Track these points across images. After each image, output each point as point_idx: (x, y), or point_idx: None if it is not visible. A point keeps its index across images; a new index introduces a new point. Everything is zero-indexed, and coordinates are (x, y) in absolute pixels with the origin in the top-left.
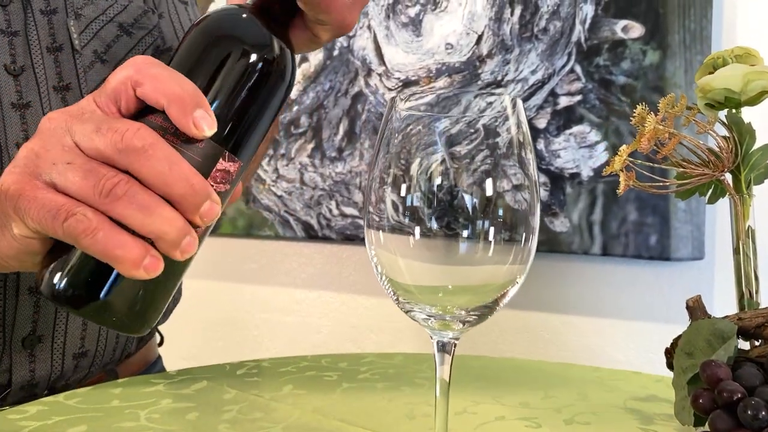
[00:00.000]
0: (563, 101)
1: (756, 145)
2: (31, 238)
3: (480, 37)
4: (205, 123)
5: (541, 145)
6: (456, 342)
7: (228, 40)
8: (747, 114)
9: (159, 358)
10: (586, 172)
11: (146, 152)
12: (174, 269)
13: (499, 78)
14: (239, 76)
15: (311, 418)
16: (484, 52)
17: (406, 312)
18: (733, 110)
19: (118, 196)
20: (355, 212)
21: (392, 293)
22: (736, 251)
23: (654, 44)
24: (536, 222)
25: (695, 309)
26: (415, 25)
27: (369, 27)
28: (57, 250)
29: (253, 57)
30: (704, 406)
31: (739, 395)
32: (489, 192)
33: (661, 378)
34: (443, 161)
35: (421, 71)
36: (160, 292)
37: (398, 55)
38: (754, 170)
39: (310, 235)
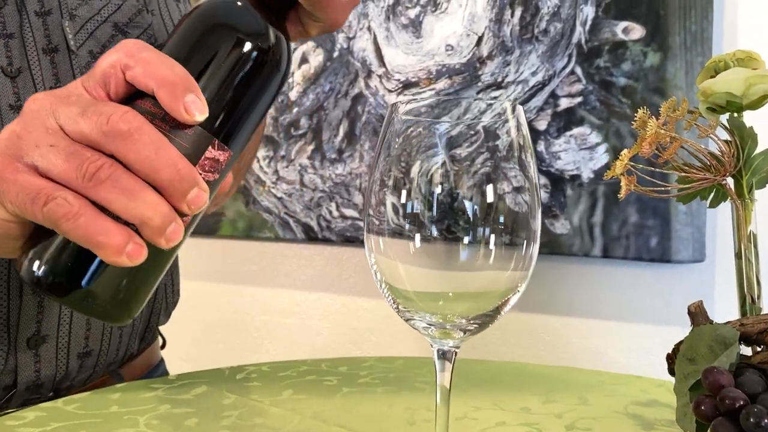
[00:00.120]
0: (564, 103)
1: (758, 150)
2: (10, 222)
3: (480, 39)
4: (195, 108)
5: (541, 146)
6: (456, 350)
7: (222, 28)
8: (749, 118)
9: (162, 361)
10: (586, 174)
11: (132, 136)
12: (159, 258)
13: (500, 79)
14: (233, 64)
15: (311, 424)
16: (485, 53)
17: (406, 320)
18: (735, 114)
19: (102, 179)
20: (355, 214)
21: (392, 301)
22: (738, 256)
23: (655, 46)
24: (537, 225)
25: (697, 314)
26: (416, 26)
27: (369, 28)
28: (38, 235)
29: (248, 45)
30: (706, 413)
31: (742, 402)
32: (490, 197)
33: (663, 382)
34: (443, 164)
35: (421, 73)
36: (143, 282)
37: (398, 57)
38: (756, 174)
39: (310, 236)
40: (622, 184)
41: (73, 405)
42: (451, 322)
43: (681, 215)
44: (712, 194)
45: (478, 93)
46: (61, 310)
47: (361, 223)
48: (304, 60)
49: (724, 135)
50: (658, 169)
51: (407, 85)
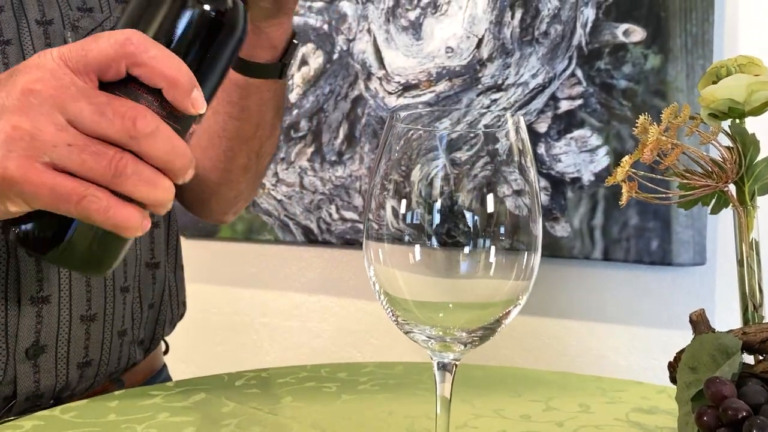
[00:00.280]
0: (564, 105)
1: (760, 156)
2: (21, 211)
3: (480, 41)
4: (199, 103)
5: (541, 149)
6: (457, 363)
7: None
8: (751, 124)
9: (164, 366)
10: (587, 177)
11: (154, 136)
12: None
13: (500, 82)
14: (202, 36)
15: None
16: (485, 55)
17: (406, 333)
18: (737, 120)
19: (128, 175)
20: (355, 216)
21: (391, 313)
22: (740, 263)
23: (655, 48)
24: (538, 230)
25: (699, 323)
26: (416, 28)
27: (369, 30)
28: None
29: (212, 15)
30: (708, 423)
31: (744, 414)
32: (490, 203)
33: (664, 388)
34: (444, 168)
35: (421, 75)
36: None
37: (398, 59)
38: (758, 181)
39: (310, 239)
40: (624, 190)
41: (70, 413)
42: (452, 335)
43: (682, 218)
44: (714, 200)
45: (478, 95)
46: (60, 320)
47: (361, 226)
48: (303, 62)
49: (726, 141)
50: (659, 177)
51: (407, 88)
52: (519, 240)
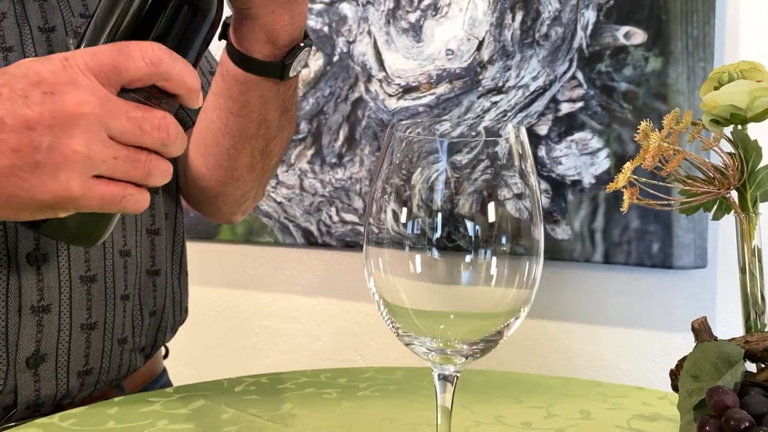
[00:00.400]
0: (565, 108)
1: (762, 163)
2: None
3: (481, 43)
4: (201, 99)
5: (542, 151)
6: (458, 375)
7: None
8: (753, 130)
9: (164, 371)
10: (587, 180)
11: (176, 140)
12: None
13: (500, 84)
14: (175, 16)
15: None
16: (485, 58)
17: (406, 345)
18: (739, 127)
19: (154, 173)
20: (355, 219)
21: (391, 324)
22: (742, 270)
23: (656, 51)
24: (540, 235)
25: (701, 331)
26: (416, 30)
27: (369, 32)
28: None
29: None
30: None
31: (747, 424)
32: (492, 212)
33: (665, 394)
34: (444, 172)
35: (421, 77)
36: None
37: (399, 61)
38: (760, 188)
39: (310, 241)
40: (625, 197)
41: (69, 421)
42: (453, 348)
43: (683, 221)
44: (716, 206)
45: (478, 98)
46: (61, 329)
47: (360, 228)
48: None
49: (728, 147)
50: (661, 183)
51: (407, 90)
52: (520, 244)
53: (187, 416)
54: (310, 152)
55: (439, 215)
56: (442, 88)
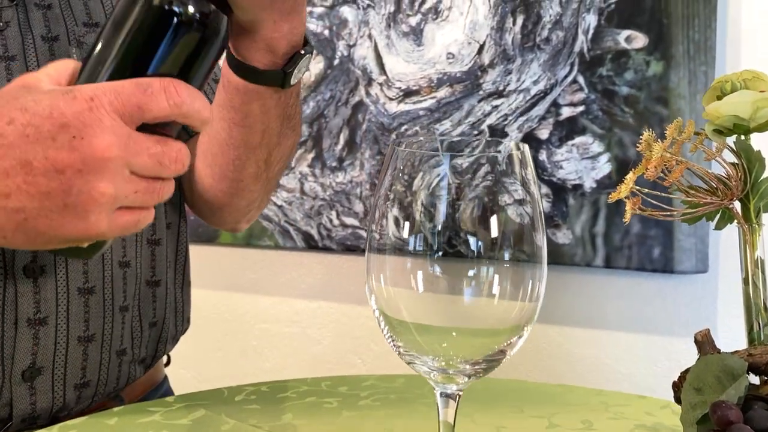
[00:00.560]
0: (566, 112)
1: (765, 173)
2: None
3: (482, 47)
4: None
5: (543, 156)
6: (460, 393)
7: (161, 4)
8: (756, 141)
9: (165, 378)
10: (588, 184)
11: (187, 165)
12: None
13: (501, 88)
14: (177, 40)
15: None
16: (486, 61)
17: (408, 363)
18: (742, 137)
19: (164, 195)
20: (355, 222)
21: (392, 342)
22: (745, 282)
23: (657, 55)
24: (542, 240)
25: (704, 343)
26: (417, 34)
27: (370, 36)
28: None
29: (191, 20)
30: None
31: None
32: (494, 227)
33: (667, 403)
34: (445, 177)
35: (422, 81)
36: None
37: (399, 65)
38: (763, 199)
39: (311, 245)
40: (627, 207)
41: None
42: (455, 368)
43: (684, 226)
44: (718, 216)
45: (479, 102)
46: (57, 342)
47: (361, 232)
48: None
49: (731, 158)
50: (664, 194)
51: (408, 93)
52: (523, 251)
53: (188, 427)
54: (310, 156)
55: (441, 223)
56: (443, 92)
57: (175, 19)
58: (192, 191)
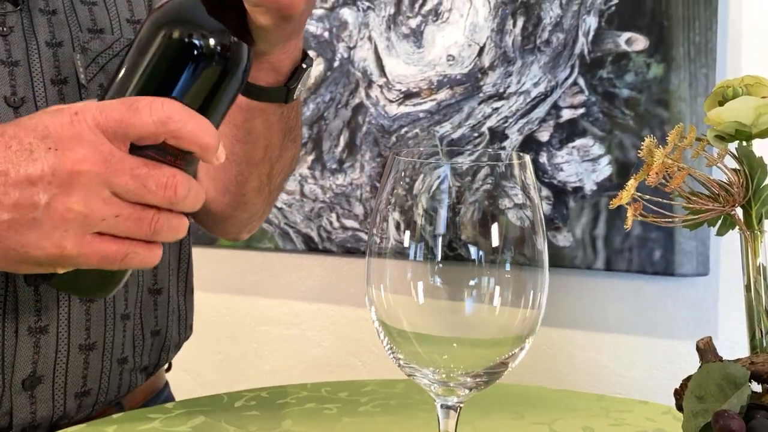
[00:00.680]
0: (566, 114)
1: (767, 180)
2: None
3: (482, 49)
4: (222, 156)
5: (543, 158)
6: (461, 405)
7: (181, 34)
8: (758, 147)
9: (167, 384)
10: (589, 186)
11: (187, 197)
12: None
13: (501, 90)
14: (199, 73)
15: None
16: (486, 63)
17: (408, 375)
18: (744, 143)
19: (162, 230)
20: (356, 225)
21: (392, 354)
22: (747, 289)
23: (658, 57)
24: (542, 244)
25: (706, 351)
26: (417, 36)
27: (370, 38)
28: None
29: (213, 53)
30: None
31: None
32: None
33: (669, 409)
34: (445, 179)
35: (422, 83)
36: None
37: (399, 67)
38: (765, 205)
39: (311, 247)
40: (629, 214)
41: None
42: (455, 381)
43: (685, 229)
44: (720, 222)
45: (479, 104)
46: (58, 350)
47: (361, 234)
48: None
49: (733, 164)
50: (665, 201)
51: (408, 96)
52: (523, 254)
53: None
54: (310, 158)
55: (442, 226)
56: (443, 94)
57: (195, 52)
58: None
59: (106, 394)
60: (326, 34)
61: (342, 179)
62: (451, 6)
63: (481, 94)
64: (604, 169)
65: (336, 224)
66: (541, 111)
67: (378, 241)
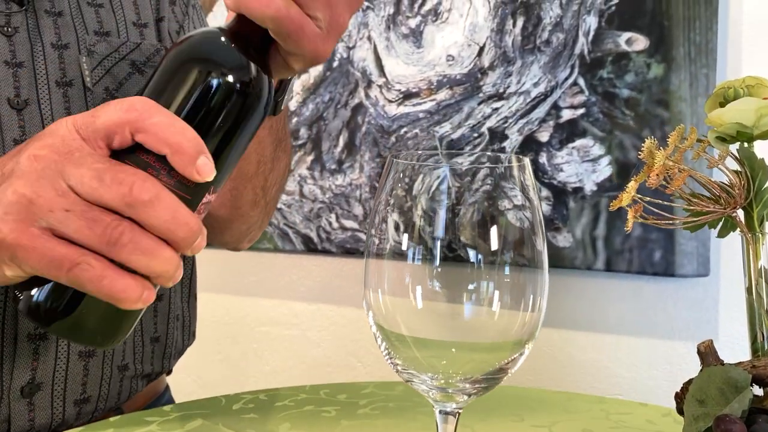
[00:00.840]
0: (566, 114)
1: None
2: (21, 277)
3: (482, 49)
4: (206, 170)
5: (543, 158)
6: (460, 411)
7: (205, 69)
8: (759, 148)
9: (167, 388)
10: (589, 187)
11: (152, 204)
12: None
13: (501, 90)
14: (220, 108)
15: None
16: (486, 64)
17: (406, 381)
18: (745, 144)
19: (124, 244)
20: (355, 225)
21: (390, 360)
22: (748, 291)
23: (658, 57)
24: (542, 245)
25: (707, 354)
26: (416, 36)
27: (369, 38)
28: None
29: (236, 92)
30: None
31: None
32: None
33: (669, 411)
34: (445, 180)
35: (421, 83)
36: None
37: (399, 67)
38: (767, 207)
39: (310, 248)
40: (629, 216)
41: None
42: (454, 387)
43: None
44: (721, 224)
45: (479, 104)
46: (58, 357)
47: (360, 235)
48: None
49: (734, 165)
50: (666, 202)
51: (408, 96)
52: (522, 254)
53: None
54: (309, 158)
55: (441, 227)
56: (443, 94)
57: (214, 85)
58: None
59: (106, 401)
60: None
61: (341, 180)
62: (451, 6)
63: (480, 95)
64: (604, 169)
65: (335, 225)
66: (541, 111)
67: (377, 242)
